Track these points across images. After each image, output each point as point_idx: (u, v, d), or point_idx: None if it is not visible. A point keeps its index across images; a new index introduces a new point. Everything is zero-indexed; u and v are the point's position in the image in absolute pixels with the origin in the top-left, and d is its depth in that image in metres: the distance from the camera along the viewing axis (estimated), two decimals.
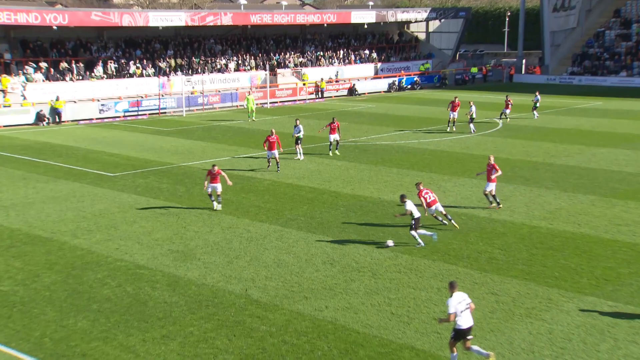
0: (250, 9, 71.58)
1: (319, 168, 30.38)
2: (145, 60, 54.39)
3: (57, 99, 46.19)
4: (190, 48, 58.91)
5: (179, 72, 54.73)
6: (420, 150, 34.63)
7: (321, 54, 66.18)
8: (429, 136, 38.92)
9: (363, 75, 66.73)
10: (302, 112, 50.59)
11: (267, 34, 65.13)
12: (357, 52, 69.14)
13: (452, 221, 20.75)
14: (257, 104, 55.13)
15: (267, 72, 57.13)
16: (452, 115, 39.72)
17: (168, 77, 53.56)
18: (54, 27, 48.15)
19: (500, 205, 23.07)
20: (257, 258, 18.47)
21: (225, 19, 56.50)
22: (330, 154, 33.06)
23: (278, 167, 29.29)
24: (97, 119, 47.71)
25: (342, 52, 67.95)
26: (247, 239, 20.09)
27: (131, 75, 52.44)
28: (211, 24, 56.15)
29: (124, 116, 49.04)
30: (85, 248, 19.38)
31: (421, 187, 20.58)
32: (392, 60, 70.69)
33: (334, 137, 33.22)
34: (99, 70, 51.06)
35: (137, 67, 53.10)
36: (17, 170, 30.15)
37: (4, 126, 43.75)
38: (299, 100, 59.18)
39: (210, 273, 17.35)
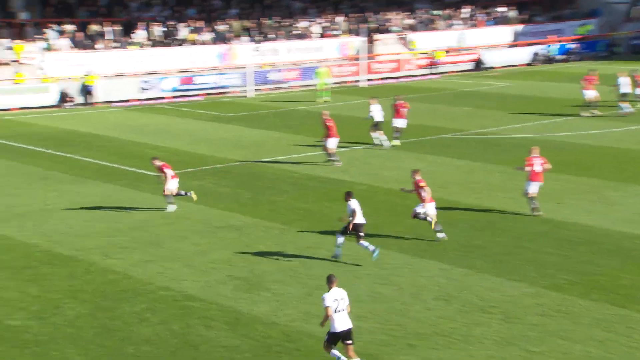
0: None
1: (431, 169, 30.14)
2: (201, 22, 55.56)
3: (89, 73, 47.76)
4: (261, 6, 59.85)
5: (245, 39, 55.57)
6: (574, 145, 33.80)
7: (437, 13, 65.72)
8: (587, 126, 37.91)
9: (495, 43, 65.73)
10: (408, 92, 50.35)
11: None
12: (487, 10, 68.23)
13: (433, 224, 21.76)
14: (348, 82, 55.41)
15: (364, 39, 57.22)
16: (587, 96, 40.11)
17: (230, 44, 54.51)
18: None
19: (540, 213, 23.54)
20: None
21: None
22: (398, 143, 33.93)
23: (336, 159, 30.68)
24: (137, 99, 49.21)
25: (466, 10, 67.23)
26: (332, 264, 20.14)
27: (182, 42, 53.70)
28: None
29: (173, 97, 50.37)
30: (120, 271, 19.95)
31: (418, 177, 21.99)
32: (538, 21, 69.25)
33: (400, 122, 34.08)
34: (140, 35, 52.54)
35: (191, 32, 54.34)
36: (35, 167, 31.50)
37: (19, 109, 45.78)
38: (404, 76, 58.99)
39: (283, 308, 17.48)
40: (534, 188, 23.78)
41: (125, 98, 48.93)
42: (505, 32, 66.88)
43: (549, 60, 65.42)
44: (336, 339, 14.15)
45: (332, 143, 30.71)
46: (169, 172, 24.80)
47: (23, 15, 51.20)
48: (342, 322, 14.03)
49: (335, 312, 13.96)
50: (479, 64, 62.67)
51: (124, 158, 32.86)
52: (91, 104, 47.67)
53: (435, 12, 65.96)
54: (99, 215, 24.85)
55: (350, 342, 14.17)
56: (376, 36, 60.58)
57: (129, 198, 26.58)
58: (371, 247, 20.03)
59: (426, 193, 21.75)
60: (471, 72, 61.86)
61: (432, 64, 60.67)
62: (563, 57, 66.17)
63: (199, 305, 17.67)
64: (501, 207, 24.72)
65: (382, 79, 57.89)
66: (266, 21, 58.04)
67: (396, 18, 63.53)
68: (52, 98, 47.31)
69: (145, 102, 48.95)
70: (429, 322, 16.60)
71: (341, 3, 63.83)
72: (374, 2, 65.06)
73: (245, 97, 50.77)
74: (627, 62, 62.53)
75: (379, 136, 33.92)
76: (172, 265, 20.27)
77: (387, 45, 60.93)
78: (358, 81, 55.73)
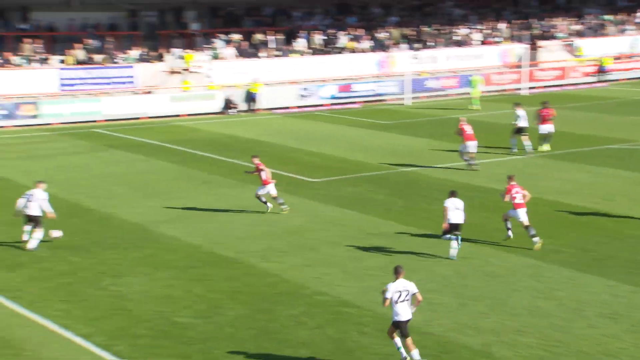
0: None
1: (594, 180, 29.34)
2: (361, 30, 56.02)
3: (254, 81, 49.14)
4: (421, 13, 59.76)
5: (404, 46, 55.64)
6: None
7: (608, 18, 63.43)
8: None
9: None
10: (573, 101, 49.10)
11: None
12: None
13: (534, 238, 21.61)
14: (508, 90, 54.49)
15: (526, 46, 56.00)
16: None
17: (389, 52, 54.74)
18: None
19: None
20: (503, 302, 18.19)
21: None
22: (548, 147, 34.30)
23: (475, 164, 31.48)
24: (296, 107, 50.20)
25: None
26: (489, 275, 19.89)
27: (341, 50, 54.38)
28: None
29: (331, 104, 51.05)
30: (277, 274, 20.42)
31: (512, 183, 22.02)
32: None
33: (547, 128, 34.46)
34: (301, 43, 53.59)
35: (350, 40, 54.91)
36: (199, 172, 32.71)
37: (187, 115, 47.67)
38: (569, 84, 57.39)
39: (437, 318, 17.38)
40: None
41: (285, 105, 50.01)
42: None
43: None
44: (398, 326, 14.84)
45: (470, 147, 31.38)
46: (264, 174, 25.37)
47: (194, 26, 53.45)
48: (403, 312, 14.79)
49: (397, 302, 14.70)
50: None
51: (282, 164, 33.55)
52: (253, 110, 49.04)
53: (606, 17, 63.71)
54: (258, 219, 25.51)
55: (409, 337, 14.78)
56: (540, 43, 59.21)
57: (286, 203, 27.12)
58: (453, 250, 21.03)
59: (518, 199, 21.80)
60: None
61: (600, 72, 58.68)
62: None
63: (354, 312, 17.83)
64: None
65: (545, 87, 56.54)
66: (426, 29, 57.92)
67: (562, 24, 61.86)
68: (218, 105, 48.97)
69: (304, 109, 49.85)
70: (593, 341, 16.07)
71: (504, 9, 62.79)
72: (538, 8, 63.61)
73: (403, 104, 50.85)
74: None
75: (524, 142, 34.10)
76: (328, 271, 20.56)
77: (551, 52, 59.44)
78: (519, 89, 54.61)
